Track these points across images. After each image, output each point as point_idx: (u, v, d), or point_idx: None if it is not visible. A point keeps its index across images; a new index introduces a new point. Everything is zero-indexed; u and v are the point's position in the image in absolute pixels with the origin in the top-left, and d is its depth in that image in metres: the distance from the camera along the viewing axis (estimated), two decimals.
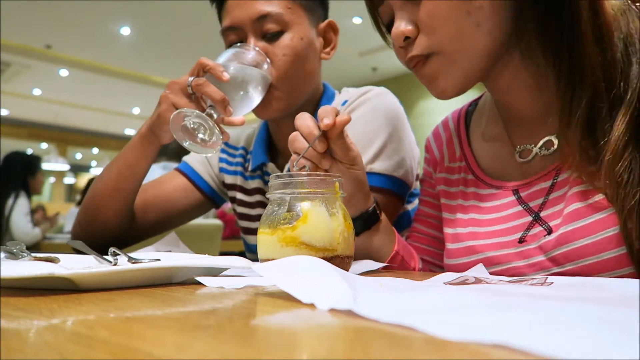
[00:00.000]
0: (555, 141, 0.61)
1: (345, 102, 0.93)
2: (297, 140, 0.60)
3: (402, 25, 0.60)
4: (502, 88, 0.64)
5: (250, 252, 1.05)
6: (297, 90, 0.89)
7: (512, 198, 0.63)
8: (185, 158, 1.06)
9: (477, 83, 0.64)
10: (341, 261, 0.51)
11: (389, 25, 0.65)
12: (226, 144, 1.07)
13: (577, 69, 0.54)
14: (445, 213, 0.72)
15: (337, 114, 0.59)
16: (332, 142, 0.60)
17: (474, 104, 0.78)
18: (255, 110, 0.87)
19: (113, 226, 0.88)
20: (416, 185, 0.94)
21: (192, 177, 1.02)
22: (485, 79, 0.64)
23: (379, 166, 0.84)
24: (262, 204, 1.00)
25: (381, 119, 0.87)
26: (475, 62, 0.59)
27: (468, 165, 0.71)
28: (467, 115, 0.78)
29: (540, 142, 0.63)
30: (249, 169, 1.00)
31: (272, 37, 0.85)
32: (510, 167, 0.66)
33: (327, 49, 0.95)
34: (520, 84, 0.62)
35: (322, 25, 0.93)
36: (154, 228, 0.98)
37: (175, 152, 2.86)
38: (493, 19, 0.57)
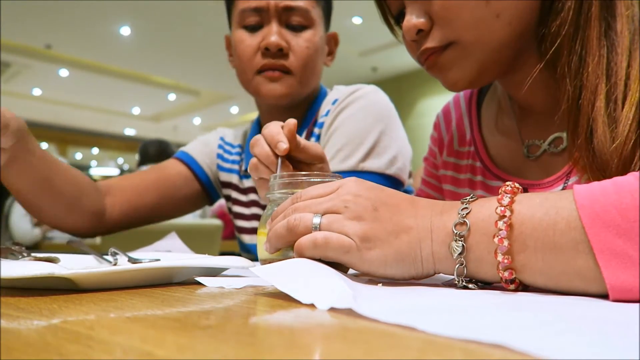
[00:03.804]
0: (565, 138, 0.60)
1: (335, 100, 0.94)
2: (259, 148, 0.59)
3: (414, 18, 0.56)
4: (517, 84, 0.62)
5: (245, 252, 1.04)
6: (307, 83, 0.92)
7: None
8: (185, 148, 1.05)
9: (492, 80, 0.62)
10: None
11: (398, 17, 0.63)
12: (223, 139, 1.07)
13: (584, 70, 0.53)
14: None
15: (282, 127, 0.57)
16: (293, 153, 0.58)
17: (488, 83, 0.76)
18: (264, 92, 0.89)
19: (66, 226, 0.87)
20: (409, 183, 0.94)
21: (192, 165, 1.01)
22: (501, 76, 0.62)
23: (370, 164, 0.85)
24: (257, 204, 1.00)
25: (371, 118, 0.88)
26: (492, 53, 0.56)
27: (477, 151, 0.70)
28: (479, 95, 0.75)
29: (550, 139, 0.62)
30: (243, 168, 1.00)
31: (295, 29, 0.89)
32: (517, 160, 0.65)
33: (329, 57, 1.00)
34: (537, 82, 0.59)
35: (329, 34, 0.98)
36: (150, 212, 0.96)
37: (157, 155, 2.88)
38: (513, 8, 0.54)
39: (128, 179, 0.95)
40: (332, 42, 1.00)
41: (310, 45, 0.89)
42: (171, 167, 1.00)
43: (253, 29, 0.89)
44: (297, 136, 0.59)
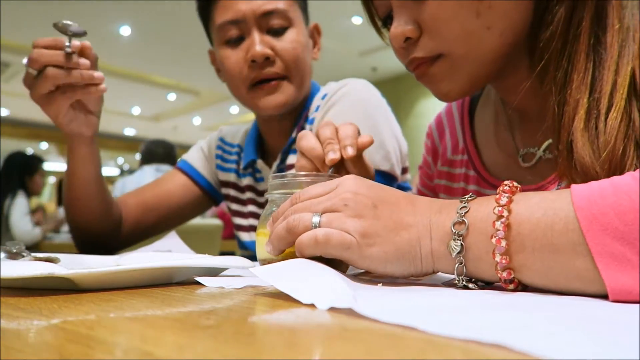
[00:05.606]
0: None
1: (325, 95, 0.93)
2: (306, 141, 0.58)
3: (401, 25, 0.54)
4: (509, 88, 0.61)
5: (242, 249, 1.06)
6: (303, 84, 0.91)
7: None
8: (185, 156, 1.07)
9: (484, 86, 0.61)
10: (340, 262, 0.51)
11: (385, 20, 0.61)
12: (223, 140, 1.08)
13: (569, 80, 0.51)
14: None
15: (357, 133, 0.57)
16: (352, 163, 0.57)
17: (480, 89, 0.74)
18: (261, 106, 0.88)
19: (97, 229, 0.89)
20: (404, 179, 0.94)
21: (191, 173, 1.04)
22: (492, 81, 0.61)
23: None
24: (254, 201, 1.01)
25: (362, 114, 0.86)
26: (483, 65, 0.55)
27: (470, 160, 0.69)
28: (471, 103, 0.74)
29: (544, 145, 0.61)
30: (241, 166, 1.01)
31: (277, 32, 0.87)
32: (512, 167, 0.65)
33: (315, 50, 0.98)
34: (529, 89, 0.58)
35: (310, 27, 0.97)
36: (154, 227, 1.00)
37: (164, 156, 2.92)
38: (505, 20, 0.53)
39: (131, 197, 0.98)
40: (315, 33, 0.98)
41: (297, 45, 0.87)
42: (170, 179, 1.02)
43: (235, 42, 0.87)
44: (364, 153, 0.58)
